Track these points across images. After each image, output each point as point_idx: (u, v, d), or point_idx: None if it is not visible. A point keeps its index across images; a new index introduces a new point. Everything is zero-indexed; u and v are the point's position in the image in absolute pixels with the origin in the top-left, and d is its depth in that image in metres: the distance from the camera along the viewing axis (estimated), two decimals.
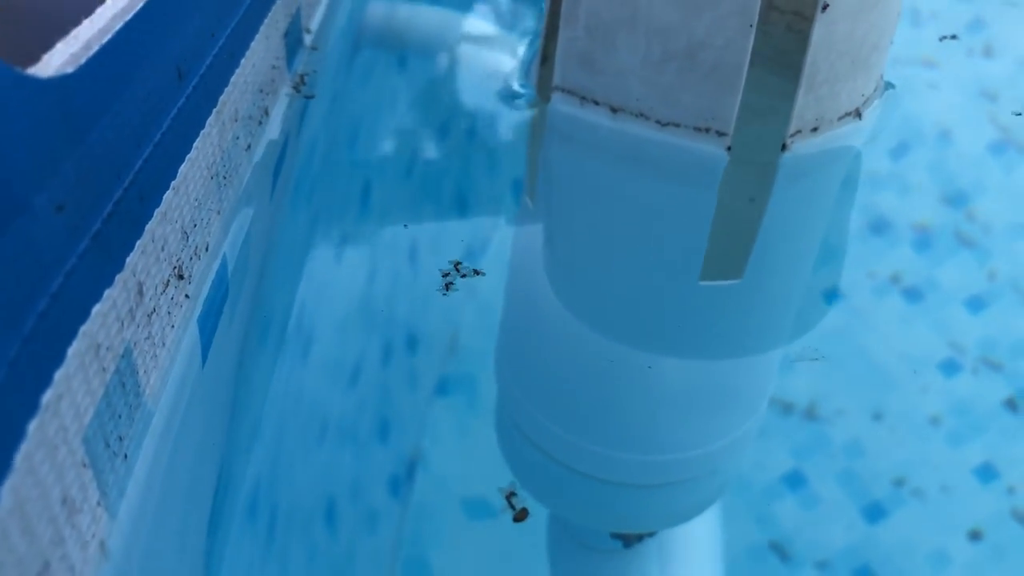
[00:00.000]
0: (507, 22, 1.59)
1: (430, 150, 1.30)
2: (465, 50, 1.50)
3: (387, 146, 1.30)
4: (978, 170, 1.25)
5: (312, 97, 1.18)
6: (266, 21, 1.05)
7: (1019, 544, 0.82)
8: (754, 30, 1.03)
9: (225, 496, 0.80)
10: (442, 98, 1.40)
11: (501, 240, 1.12)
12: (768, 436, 0.91)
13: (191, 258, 0.78)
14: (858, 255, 1.12)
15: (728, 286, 1.04)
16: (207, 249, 0.83)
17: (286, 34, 1.15)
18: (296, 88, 1.15)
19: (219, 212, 0.87)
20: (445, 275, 1.01)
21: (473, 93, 1.38)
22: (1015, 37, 1.53)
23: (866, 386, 0.95)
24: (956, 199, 1.19)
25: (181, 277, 0.76)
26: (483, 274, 1.02)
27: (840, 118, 1.16)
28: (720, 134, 1.10)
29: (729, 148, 1.11)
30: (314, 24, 1.31)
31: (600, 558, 0.87)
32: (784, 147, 1.12)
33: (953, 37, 1.45)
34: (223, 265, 0.86)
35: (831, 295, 1.07)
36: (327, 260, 1.10)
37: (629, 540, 0.85)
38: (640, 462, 0.90)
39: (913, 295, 1.05)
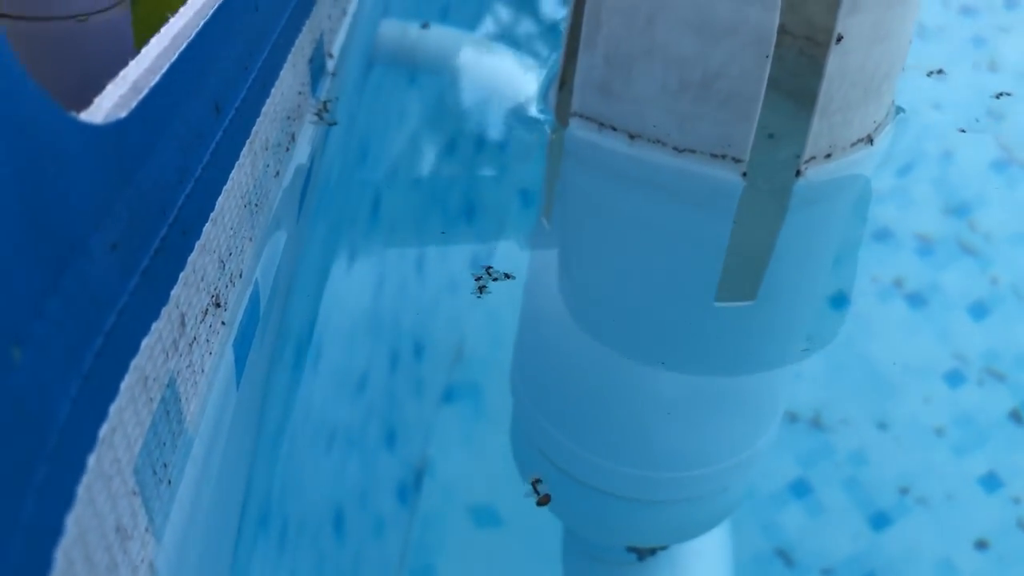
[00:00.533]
0: (518, 43, 1.61)
1: (438, 165, 1.32)
2: (475, 69, 1.52)
3: (397, 161, 1.32)
4: (980, 183, 1.27)
5: (335, 124, 1.21)
6: (293, 49, 1.08)
7: None
8: (769, 61, 1.05)
9: (244, 506, 0.82)
10: (452, 115, 1.42)
11: (505, 252, 1.13)
12: (774, 445, 0.92)
13: (227, 286, 0.81)
14: (862, 265, 1.14)
15: (741, 307, 1.06)
16: (240, 276, 0.86)
17: (311, 60, 1.18)
18: (319, 115, 1.18)
19: (251, 239, 0.90)
20: (477, 279, 1.05)
21: (482, 110, 1.41)
22: (1016, 56, 1.55)
23: (871, 395, 0.96)
24: (959, 210, 1.21)
25: (218, 305, 0.78)
26: (513, 277, 1.05)
27: (853, 144, 1.18)
28: (736, 160, 1.12)
29: (744, 174, 1.13)
30: (336, 48, 1.33)
31: (613, 570, 0.88)
32: (798, 173, 1.14)
33: (940, 72, 1.47)
34: (255, 290, 0.89)
35: (836, 303, 1.09)
36: (337, 272, 1.12)
37: (643, 553, 0.87)
38: (655, 479, 0.91)
39: (917, 303, 1.07)
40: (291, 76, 1.07)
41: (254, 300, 0.88)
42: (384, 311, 1.05)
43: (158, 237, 0.64)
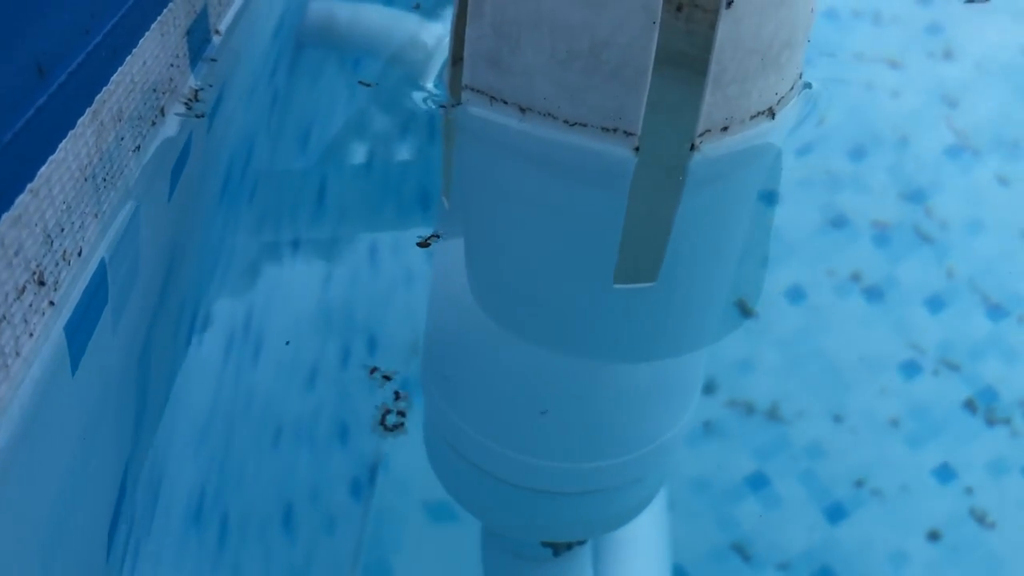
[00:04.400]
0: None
1: (386, 149, 1.27)
2: (410, 47, 1.47)
3: (342, 146, 1.27)
4: (935, 170, 1.24)
5: (202, 116, 1.11)
6: (160, 19, 1.02)
7: (977, 544, 0.83)
8: (658, 28, 1.01)
9: (157, 501, 0.79)
10: (396, 96, 1.37)
11: None
12: (729, 437, 0.91)
13: (57, 264, 0.76)
14: (819, 253, 1.11)
15: (644, 289, 1.03)
16: (80, 254, 0.80)
17: (188, 33, 1.12)
18: (188, 105, 1.10)
19: (97, 216, 0.84)
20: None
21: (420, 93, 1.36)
22: (973, 42, 1.53)
23: (827, 387, 0.95)
24: (914, 197, 1.19)
25: (42, 283, 0.73)
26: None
27: (752, 117, 1.15)
28: (628, 134, 1.08)
29: (637, 149, 1.09)
30: (224, 25, 1.28)
31: (530, 567, 0.86)
32: (693, 147, 1.11)
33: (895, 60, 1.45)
34: (101, 270, 0.83)
35: (792, 295, 1.06)
36: (280, 262, 1.08)
37: (558, 548, 0.84)
38: (563, 470, 0.89)
39: (873, 294, 1.06)
40: (158, 46, 1.01)
41: (99, 280, 0.82)
42: (335, 303, 1.02)
43: None
